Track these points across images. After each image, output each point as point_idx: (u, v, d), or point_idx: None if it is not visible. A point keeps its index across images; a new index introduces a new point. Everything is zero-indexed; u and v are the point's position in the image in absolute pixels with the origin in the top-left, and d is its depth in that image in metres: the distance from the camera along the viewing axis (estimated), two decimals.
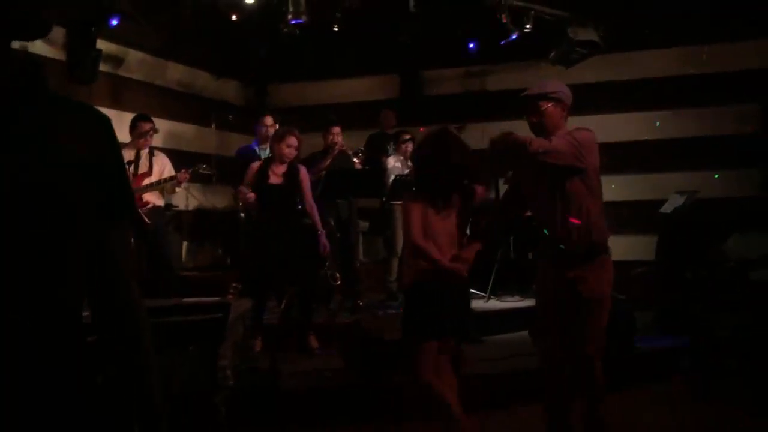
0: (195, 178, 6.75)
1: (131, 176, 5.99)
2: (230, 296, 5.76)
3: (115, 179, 1.27)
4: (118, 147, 1.31)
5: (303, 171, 5.51)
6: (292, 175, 5.38)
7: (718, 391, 5.01)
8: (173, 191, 6.28)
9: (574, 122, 3.53)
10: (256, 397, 3.62)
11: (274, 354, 3.75)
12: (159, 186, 6.07)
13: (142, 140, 6.10)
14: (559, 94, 3.45)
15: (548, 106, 3.42)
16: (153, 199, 6.09)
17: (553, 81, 3.58)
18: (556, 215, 3.39)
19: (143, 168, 6.09)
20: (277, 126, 6.53)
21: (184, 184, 6.26)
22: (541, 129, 3.43)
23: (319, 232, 5.47)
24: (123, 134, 6.96)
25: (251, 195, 5.27)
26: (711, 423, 4.58)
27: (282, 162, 5.35)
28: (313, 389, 4.72)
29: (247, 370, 3.65)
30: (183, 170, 6.09)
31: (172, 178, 6.06)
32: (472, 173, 3.43)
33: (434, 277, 3.37)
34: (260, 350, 5.12)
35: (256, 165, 5.45)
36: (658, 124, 8.22)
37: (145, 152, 6.15)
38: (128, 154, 6.08)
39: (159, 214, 6.17)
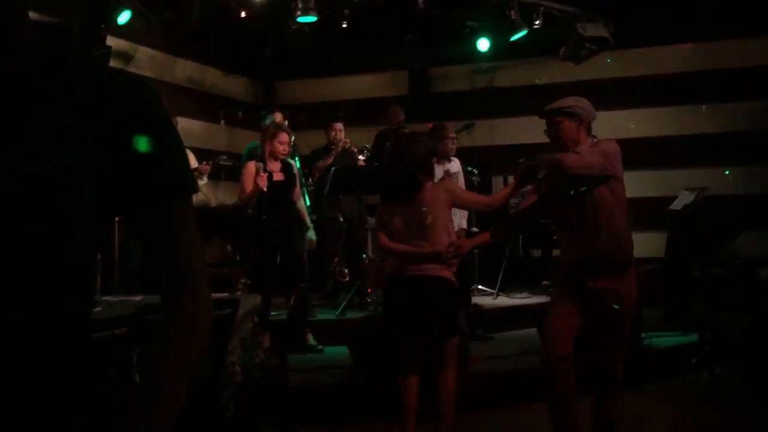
0: (216, 172, 6.77)
1: None
2: (239, 292, 5.80)
3: (172, 159, 1.18)
4: (169, 124, 1.23)
5: (295, 166, 5.64)
6: (289, 170, 5.48)
7: (725, 390, 5.00)
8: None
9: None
10: (265, 394, 3.63)
11: (283, 351, 3.76)
12: None
13: None
14: (575, 108, 3.56)
15: (563, 120, 3.54)
16: None
17: (573, 97, 3.67)
18: (585, 226, 3.44)
19: None
20: (286, 122, 6.54)
21: (205, 177, 6.30)
22: (557, 142, 3.56)
23: (309, 228, 5.68)
24: None
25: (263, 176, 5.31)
26: (717, 421, 4.57)
27: (275, 159, 5.42)
28: (322, 387, 4.74)
29: (255, 366, 3.66)
30: (204, 162, 6.15)
31: (194, 170, 6.11)
32: (423, 169, 3.67)
33: (398, 276, 3.67)
34: (268, 347, 5.13)
35: (252, 165, 5.47)
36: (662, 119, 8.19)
37: None
38: None
39: None
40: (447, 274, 3.61)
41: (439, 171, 5.84)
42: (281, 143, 5.38)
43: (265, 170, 5.34)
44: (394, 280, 3.70)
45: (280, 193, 5.39)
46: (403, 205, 3.67)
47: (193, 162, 6.29)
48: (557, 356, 3.42)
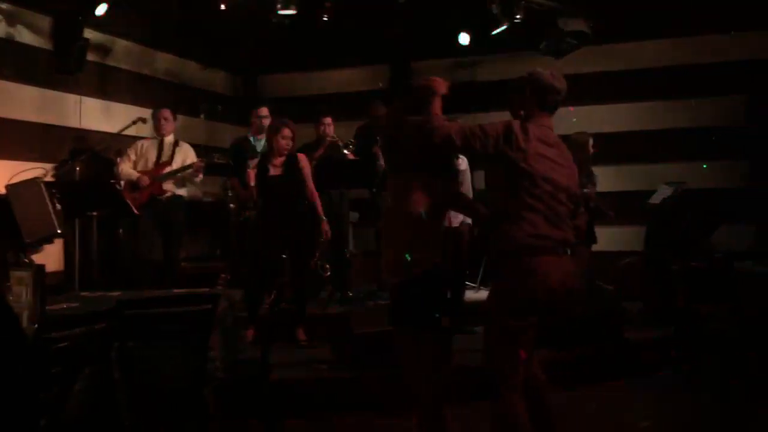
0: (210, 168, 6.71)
1: (153, 165, 6.04)
2: (220, 287, 5.77)
3: None
4: None
5: (303, 159, 5.55)
6: (291, 165, 5.41)
7: (704, 382, 5.05)
8: (193, 180, 6.30)
9: (562, 113, 3.48)
10: (246, 389, 3.61)
11: (264, 345, 3.74)
12: (178, 174, 6.09)
13: (160, 125, 6.20)
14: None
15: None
16: (172, 188, 6.11)
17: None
18: None
19: (165, 157, 6.17)
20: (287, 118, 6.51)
21: (201, 174, 6.27)
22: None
23: (323, 221, 5.55)
24: (110, 124, 6.95)
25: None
26: (696, 413, 4.61)
27: (280, 154, 5.38)
28: (304, 380, 4.73)
29: (236, 361, 3.64)
30: (198, 159, 6.17)
31: (189, 166, 6.10)
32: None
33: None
34: (251, 341, 5.12)
35: (254, 164, 5.46)
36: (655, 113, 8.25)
37: (169, 142, 6.24)
38: (153, 144, 6.18)
39: (177, 203, 6.18)
40: None
41: None
42: (284, 138, 5.35)
43: (265, 166, 5.33)
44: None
45: (279, 188, 5.35)
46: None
47: (192, 157, 6.26)
48: None
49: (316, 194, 5.58)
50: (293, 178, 5.40)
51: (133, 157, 6.14)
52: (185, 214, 6.36)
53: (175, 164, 6.15)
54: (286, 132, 5.35)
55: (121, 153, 6.43)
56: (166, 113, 6.27)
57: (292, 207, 5.39)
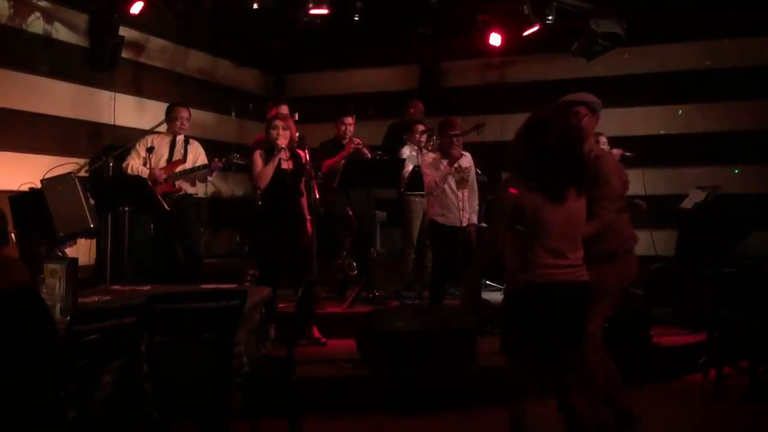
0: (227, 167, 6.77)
1: (165, 163, 6.09)
2: (247, 283, 5.82)
3: None
4: None
5: (306, 155, 5.61)
6: (297, 159, 5.50)
7: (733, 390, 4.97)
8: (205, 179, 6.34)
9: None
10: (271, 385, 3.64)
11: (290, 342, 3.77)
12: (191, 173, 6.13)
13: (177, 124, 6.17)
14: (596, 104, 3.74)
15: (587, 113, 3.71)
16: (185, 186, 6.16)
17: (587, 93, 3.81)
18: None
19: (178, 155, 6.17)
20: (297, 116, 6.54)
21: (216, 173, 6.31)
22: None
23: (307, 220, 5.56)
24: (143, 120, 7.05)
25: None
26: (725, 421, 4.55)
27: (287, 149, 5.44)
28: (328, 378, 4.75)
29: (262, 357, 3.67)
30: (216, 159, 6.14)
31: (204, 166, 6.12)
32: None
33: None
34: (275, 338, 5.15)
35: (258, 152, 5.49)
36: (680, 112, 8.15)
37: (180, 139, 6.24)
38: (164, 141, 6.18)
39: (190, 201, 6.22)
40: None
41: (446, 166, 5.85)
42: (274, 128, 5.42)
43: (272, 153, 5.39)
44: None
45: (288, 181, 5.41)
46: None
47: (203, 155, 6.28)
48: None
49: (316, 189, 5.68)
50: (300, 173, 5.49)
51: (143, 153, 6.04)
52: (198, 212, 6.41)
53: (188, 162, 6.15)
54: (276, 123, 5.45)
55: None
56: (188, 112, 6.25)
57: (297, 201, 5.48)
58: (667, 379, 5.32)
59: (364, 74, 9.41)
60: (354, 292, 6.44)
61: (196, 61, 8.38)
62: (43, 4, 6.50)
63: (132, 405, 2.77)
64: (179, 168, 6.09)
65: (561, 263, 3.07)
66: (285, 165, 5.43)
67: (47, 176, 4.63)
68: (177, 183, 6.08)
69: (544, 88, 8.00)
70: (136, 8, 6.77)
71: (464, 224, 5.87)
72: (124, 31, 7.00)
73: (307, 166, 5.59)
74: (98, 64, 6.87)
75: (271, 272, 5.33)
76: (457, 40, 8.47)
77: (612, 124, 6.81)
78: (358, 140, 6.56)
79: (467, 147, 6.20)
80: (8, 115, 6.16)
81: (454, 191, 5.84)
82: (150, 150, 5.98)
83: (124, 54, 7.12)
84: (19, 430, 2.18)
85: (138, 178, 5.87)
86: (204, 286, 4.44)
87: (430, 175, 5.88)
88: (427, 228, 6.37)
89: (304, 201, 5.58)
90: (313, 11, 6.86)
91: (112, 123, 7.13)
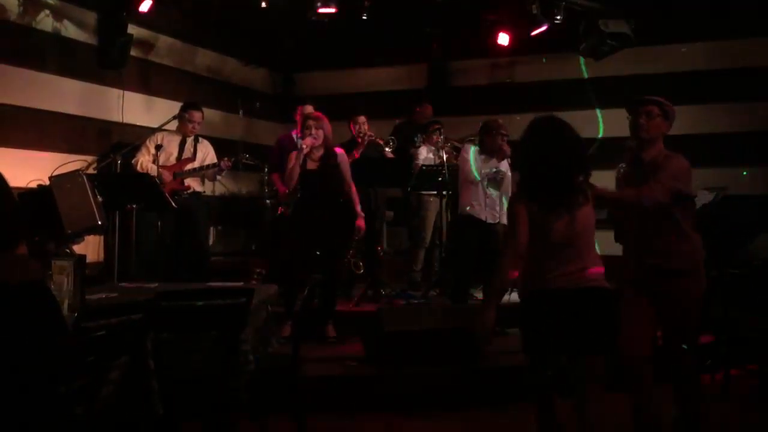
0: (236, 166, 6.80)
1: (174, 160, 6.11)
2: (254, 281, 5.83)
3: None
4: None
5: (341, 155, 5.54)
6: (327, 159, 5.40)
7: (741, 392, 4.96)
8: (213, 178, 6.37)
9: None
10: (277, 383, 3.65)
11: (296, 340, 3.77)
12: (200, 172, 6.16)
13: (189, 127, 6.22)
14: (668, 109, 3.79)
15: (660, 115, 3.78)
16: (194, 184, 6.19)
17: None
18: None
19: (187, 153, 6.21)
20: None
21: (225, 172, 6.32)
22: (640, 133, 3.73)
23: (360, 216, 5.53)
24: (152, 118, 7.07)
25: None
26: (733, 423, 4.53)
27: (316, 149, 5.38)
28: (334, 377, 4.76)
29: (268, 355, 3.68)
30: (225, 158, 6.16)
31: (214, 165, 6.16)
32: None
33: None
34: (287, 336, 5.14)
35: (294, 153, 5.48)
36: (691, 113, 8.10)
37: (190, 138, 6.28)
38: (174, 139, 6.20)
39: (198, 199, 6.25)
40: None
41: (487, 167, 5.81)
42: (307, 128, 5.37)
43: (304, 160, 5.33)
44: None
45: (315, 181, 5.34)
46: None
47: (212, 154, 6.32)
48: (642, 357, 3.55)
49: (354, 190, 5.56)
50: (329, 173, 5.39)
51: (152, 149, 6.05)
52: (206, 210, 6.42)
53: (198, 161, 6.19)
54: (308, 123, 5.37)
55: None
56: (201, 116, 6.28)
57: (329, 202, 5.39)
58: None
59: (371, 73, 9.41)
60: (361, 290, 6.45)
61: (204, 59, 8.40)
62: (52, 1, 6.52)
63: (138, 401, 2.78)
64: (188, 166, 6.13)
65: (568, 270, 3.05)
66: (311, 165, 5.37)
67: (55, 173, 4.63)
68: (186, 181, 6.11)
69: (551, 87, 8.00)
70: (145, 6, 6.79)
71: (491, 221, 5.81)
72: (132, 29, 7.02)
73: (338, 165, 5.47)
74: (107, 61, 6.89)
75: (292, 270, 5.29)
76: (466, 39, 8.46)
77: (619, 124, 6.78)
78: (370, 133, 6.60)
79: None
80: (17, 112, 6.19)
81: (484, 189, 5.81)
82: (159, 147, 6.00)
83: (133, 52, 7.15)
84: (29, 422, 2.19)
85: (147, 176, 5.90)
86: (211, 283, 4.45)
87: (470, 166, 5.80)
88: (456, 222, 6.28)
89: (356, 200, 5.52)
90: (321, 10, 6.87)
91: (121, 121, 7.16)
